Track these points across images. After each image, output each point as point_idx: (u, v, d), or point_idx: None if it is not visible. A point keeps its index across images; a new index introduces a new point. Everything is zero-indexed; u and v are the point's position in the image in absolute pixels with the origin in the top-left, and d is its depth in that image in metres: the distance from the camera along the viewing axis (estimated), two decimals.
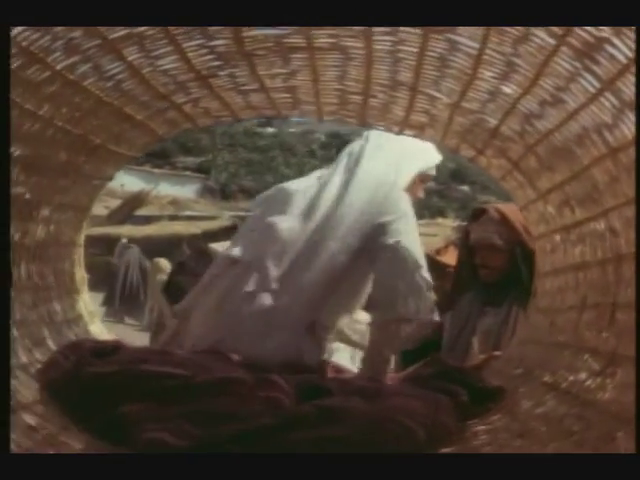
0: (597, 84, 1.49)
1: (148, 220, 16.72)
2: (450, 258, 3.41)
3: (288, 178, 2.33)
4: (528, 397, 1.82)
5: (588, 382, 1.58)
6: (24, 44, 1.52)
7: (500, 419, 1.79)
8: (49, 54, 1.60)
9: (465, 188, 36.89)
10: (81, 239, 2.50)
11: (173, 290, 5.99)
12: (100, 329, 2.48)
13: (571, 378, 1.68)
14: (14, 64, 1.54)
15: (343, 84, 2.03)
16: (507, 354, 2.31)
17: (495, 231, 2.75)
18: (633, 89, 1.39)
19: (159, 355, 1.88)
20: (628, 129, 1.48)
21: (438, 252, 3.66)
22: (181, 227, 16.13)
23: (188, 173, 28.97)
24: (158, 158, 26.93)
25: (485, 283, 2.83)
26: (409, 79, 1.91)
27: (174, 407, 1.58)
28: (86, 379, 1.72)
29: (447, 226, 19.21)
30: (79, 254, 2.49)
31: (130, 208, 16.12)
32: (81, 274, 2.50)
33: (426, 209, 30.00)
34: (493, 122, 1.95)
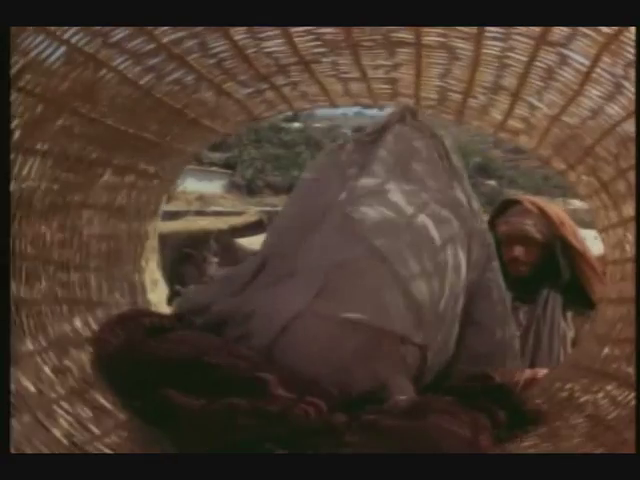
0: None
1: (175, 215, 16.83)
2: None
3: None
4: (567, 424, 1.78)
5: (627, 419, 1.55)
6: None
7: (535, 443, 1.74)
8: (157, 27, 1.61)
9: (492, 182, 36.44)
10: (160, 209, 2.53)
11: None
12: (159, 297, 2.48)
13: (614, 414, 1.64)
14: (119, 35, 1.57)
15: (445, 81, 2.01)
16: (554, 374, 2.25)
17: (532, 223, 2.68)
18: None
19: (209, 341, 1.87)
20: None
21: None
22: (207, 222, 16.10)
23: (215, 169, 28.93)
24: None
25: (514, 278, 2.70)
26: (512, 85, 1.88)
27: (218, 398, 1.56)
28: (135, 357, 1.73)
29: None
30: (155, 223, 2.52)
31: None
32: (153, 243, 2.52)
33: None
34: (589, 140, 1.91)
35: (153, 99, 1.88)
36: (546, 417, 1.84)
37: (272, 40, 1.81)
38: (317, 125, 36.75)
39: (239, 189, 28.59)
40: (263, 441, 1.44)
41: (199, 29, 1.66)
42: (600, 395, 1.78)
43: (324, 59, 1.94)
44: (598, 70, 1.61)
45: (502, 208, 2.85)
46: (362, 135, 2.15)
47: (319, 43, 1.84)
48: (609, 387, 1.76)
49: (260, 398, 1.58)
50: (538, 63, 1.71)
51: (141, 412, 1.62)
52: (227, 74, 1.97)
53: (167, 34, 1.65)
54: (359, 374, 1.81)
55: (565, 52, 1.62)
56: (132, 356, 1.74)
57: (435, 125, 2.16)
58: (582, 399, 1.86)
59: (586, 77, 1.66)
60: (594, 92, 1.71)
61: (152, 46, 1.67)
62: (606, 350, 1.95)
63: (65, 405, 1.51)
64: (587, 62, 1.61)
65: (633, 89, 1.59)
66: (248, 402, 1.54)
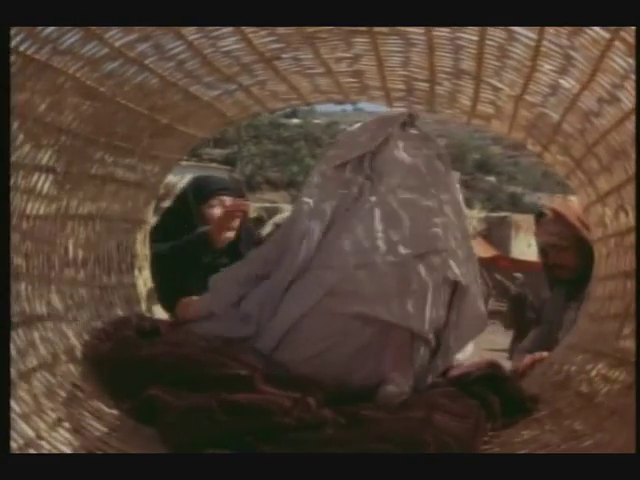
0: None
1: None
2: (477, 249, 3.35)
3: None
4: (562, 406, 1.79)
5: (620, 394, 1.55)
6: None
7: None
8: (106, 31, 1.60)
9: (491, 179, 36.25)
10: (149, 217, 2.54)
11: None
12: (155, 305, 2.50)
13: (605, 390, 1.66)
14: (70, 40, 1.56)
15: (408, 70, 2.02)
16: (552, 357, 2.26)
17: (554, 232, 2.70)
18: None
19: (197, 342, 1.90)
20: None
21: None
22: None
23: (214, 165, 28.72)
24: None
25: (562, 280, 2.80)
26: (472, 68, 1.89)
27: (201, 395, 1.59)
28: (125, 359, 1.77)
29: (473, 217, 18.94)
30: (145, 231, 2.52)
31: (157, 200, 16.33)
32: (145, 252, 2.53)
33: None
34: (555, 117, 1.92)
35: (118, 106, 1.89)
36: (543, 401, 1.85)
37: (227, 39, 1.81)
38: (316, 121, 36.91)
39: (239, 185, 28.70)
40: (249, 436, 1.45)
41: (149, 31, 1.67)
42: (593, 373, 1.79)
43: (284, 55, 1.95)
44: (545, 43, 1.60)
45: (537, 219, 2.89)
46: (363, 148, 2.11)
47: (274, 38, 1.84)
48: (601, 364, 1.77)
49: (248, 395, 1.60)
50: (489, 42, 1.71)
51: (131, 412, 1.64)
52: (191, 77, 1.98)
53: (118, 38, 1.65)
54: (360, 371, 1.85)
55: (511, 27, 1.62)
56: (123, 357, 1.78)
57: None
58: (577, 379, 1.87)
59: (536, 51, 1.65)
60: (547, 67, 1.71)
61: (105, 51, 1.67)
62: (598, 327, 1.96)
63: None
64: (533, 35, 1.60)
65: (581, 58, 1.58)
66: (235, 398, 1.56)
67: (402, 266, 1.89)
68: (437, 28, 1.72)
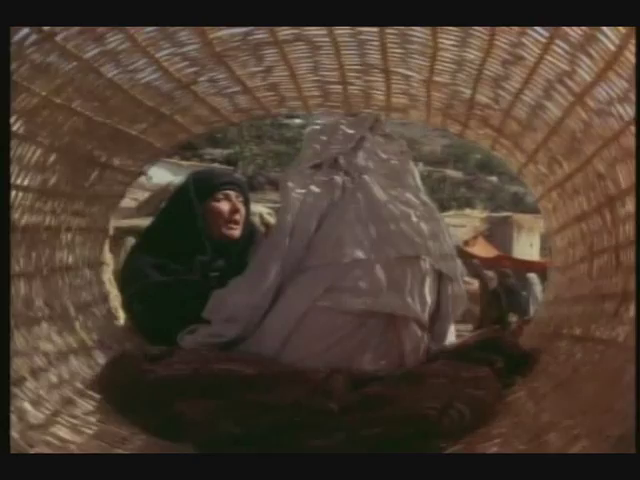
0: (545, 32, 1.51)
1: None
2: (479, 249, 3.44)
3: None
4: (560, 352, 1.84)
5: (608, 325, 1.59)
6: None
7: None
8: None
9: (493, 178, 36.70)
10: (104, 258, 2.46)
11: None
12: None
13: (594, 326, 1.69)
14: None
15: (319, 75, 2.10)
16: (537, 317, 2.37)
17: None
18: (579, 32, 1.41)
19: (209, 354, 1.90)
20: (586, 73, 1.51)
21: (466, 243, 3.67)
22: None
23: (216, 165, 28.28)
24: (186, 150, 25.84)
25: None
26: (379, 61, 1.95)
27: (230, 402, 1.59)
28: (143, 384, 1.74)
29: (475, 217, 19.01)
30: (109, 272, 2.48)
31: (158, 200, 15.95)
32: (115, 291, 2.44)
33: (454, 200, 29.82)
34: (468, 92, 1.99)
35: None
36: (539, 355, 1.91)
37: (144, 70, 1.84)
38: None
39: None
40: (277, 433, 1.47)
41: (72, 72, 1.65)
42: (580, 316, 1.83)
43: (200, 78, 2.00)
44: None
45: None
46: (339, 148, 2.17)
47: (187, 63, 1.89)
48: (584, 307, 1.83)
49: (267, 394, 1.61)
50: (389, 30, 1.78)
51: (158, 431, 1.61)
52: (115, 114, 1.97)
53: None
54: (369, 364, 1.90)
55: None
56: (142, 383, 1.74)
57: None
58: (567, 324, 1.92)
59: (434, 29, 1.71)
60: (446, 42, 1.76)
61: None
62: (569, 275, 2.07)
63: None
64: None
65: (480, 27, 1.64)
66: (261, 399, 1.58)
67: (390, 262, 1.95)
68: (336, 27, 1.78)
